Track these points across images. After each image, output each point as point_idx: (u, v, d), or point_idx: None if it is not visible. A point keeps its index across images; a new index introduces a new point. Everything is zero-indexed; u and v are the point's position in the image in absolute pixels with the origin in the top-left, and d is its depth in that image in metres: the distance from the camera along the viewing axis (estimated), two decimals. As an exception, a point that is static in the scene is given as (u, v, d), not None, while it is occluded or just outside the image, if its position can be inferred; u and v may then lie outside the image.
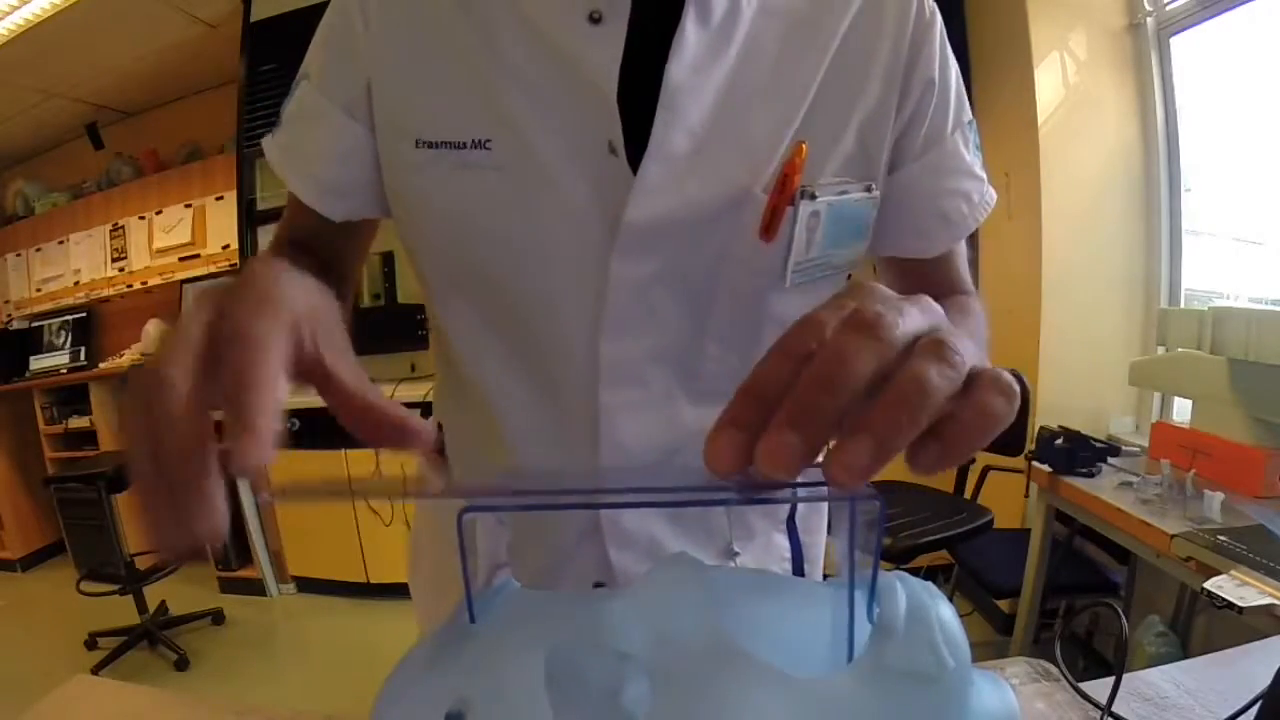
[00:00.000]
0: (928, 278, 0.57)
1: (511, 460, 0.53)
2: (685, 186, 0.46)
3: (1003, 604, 2.25)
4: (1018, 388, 0.23)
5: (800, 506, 0.59)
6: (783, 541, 0.59)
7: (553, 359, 0.49)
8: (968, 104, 0.55)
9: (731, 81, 0.46)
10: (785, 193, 0.46)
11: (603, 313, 0.47)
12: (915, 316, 0.24)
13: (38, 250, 3.77)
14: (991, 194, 0.57)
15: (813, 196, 0.47)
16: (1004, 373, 0.23)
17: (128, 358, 3.33)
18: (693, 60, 0.45)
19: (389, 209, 0.53)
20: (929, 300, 0.25)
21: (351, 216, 0.54)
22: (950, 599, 0.24)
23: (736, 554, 0.55)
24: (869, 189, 0.50)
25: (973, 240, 2.20)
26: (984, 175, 0.56)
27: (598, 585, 0.53)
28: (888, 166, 0.52)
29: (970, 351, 0.23)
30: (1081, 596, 1.93)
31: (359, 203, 0.53)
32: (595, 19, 0.44)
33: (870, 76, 0.49)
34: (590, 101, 0.45)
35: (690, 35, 0.45)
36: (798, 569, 0.60)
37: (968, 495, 2.19)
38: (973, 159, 0.56)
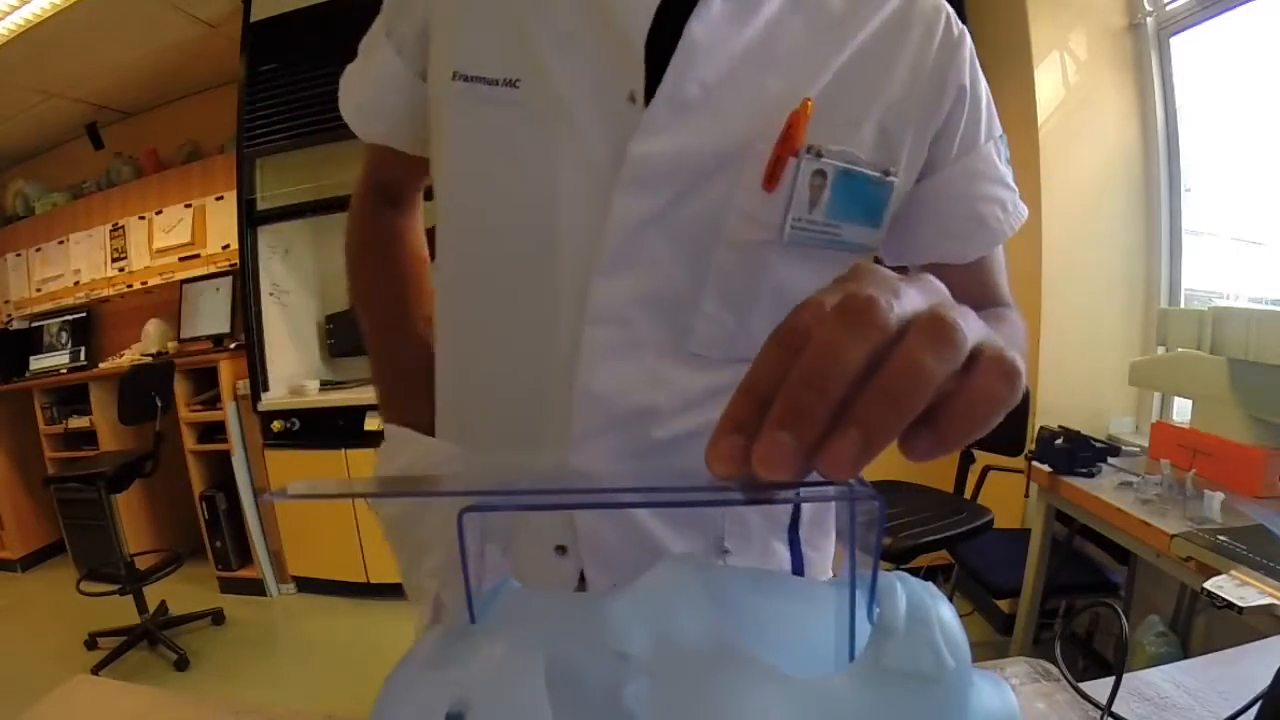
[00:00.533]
0: (966, 290, 0.57)
1: (487, 406, 0.54)
2: (691, 131, 0.47)
3: (1003, 604, 2.25)
4: (1021, 367, 0.21)
5: (805, 517, 0.58)
6: (782, 550, 0.58)
7: (545, 296, 0.50)
8: (999, 122, 0.57)
9: (748, 50, 0.49)
10: (788, 143, 0.47)
11: (599, 249, 0.48)
12: (913, 297, 0.22)
13: (38, 250, 3.77)
14: (1024, 207, 0.59)
15: (818, 155, 0.48)
16: (1008, 351, 0.22)
17: (127, 358, 3.33)
18: (714, 21, 0.47)
19: (419, 145, 0.60)
20: (931, 279, 0.24)
21: (378, 140, 0.63)
22: (950, 599, 0.24)
23: (727, 551, 0.54)
24: (886, 173, 0.51)
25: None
26: (1016, 189, 0.58)
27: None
28: (921, 173, 0.54)
29: (974, 327, 0.22)
30: (1081, 596, 1.93)
31: (388, 128, 0.62)
32: None
33: (894, 71, 0.51)
34: (618, 51, 0.47)
35: (715, 2, 0.47)
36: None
37: (968, 495, 2.19)
38: (1005, 170, 0.57)
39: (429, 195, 0.65)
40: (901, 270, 0.28)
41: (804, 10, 0.50)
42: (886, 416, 0.20)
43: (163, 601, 2.70)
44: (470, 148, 0.51)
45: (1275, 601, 1.04)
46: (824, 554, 0.61)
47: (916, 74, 0.52)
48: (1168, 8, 2.18)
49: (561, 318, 0.50)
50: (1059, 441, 1.76)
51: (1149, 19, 2.23)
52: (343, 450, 2.71)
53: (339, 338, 3.12)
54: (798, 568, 0.58)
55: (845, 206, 0.50)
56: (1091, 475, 1.69)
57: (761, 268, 0.50)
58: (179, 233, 3.35)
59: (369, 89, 0.61)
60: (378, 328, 0.69)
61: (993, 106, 0.57)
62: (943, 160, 0.55)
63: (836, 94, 0.49)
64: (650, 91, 0.47)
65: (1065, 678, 0.56)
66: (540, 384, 0.51)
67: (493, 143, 0.50)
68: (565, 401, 0.50)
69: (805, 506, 0.58)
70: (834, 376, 0.20)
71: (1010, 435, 2.04)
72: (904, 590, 0.24)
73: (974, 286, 0.59)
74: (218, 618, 2.72)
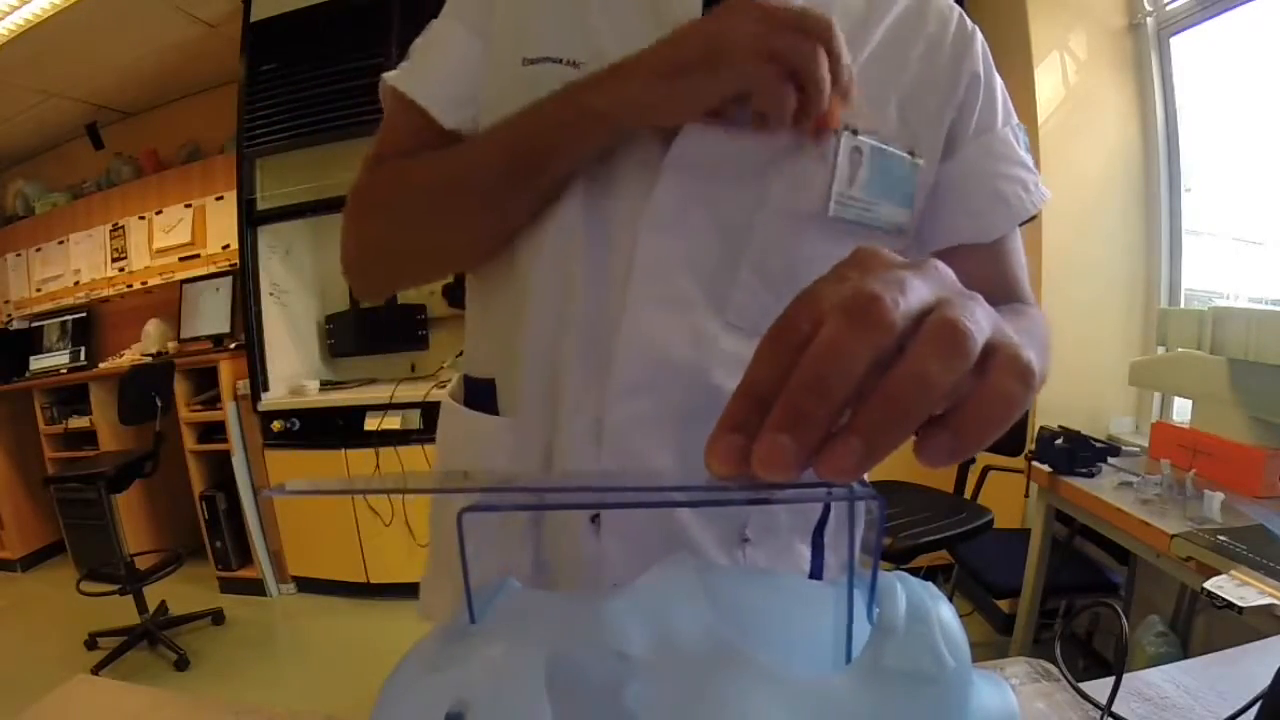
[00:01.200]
0: (987, 280, 0.58)
1: (537, 354, 0.54)
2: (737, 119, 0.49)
3: (1003, 604, 2.25)
4: (1035, 364, 0.21)
5: (832, 520, 0.59)
6: (804, 550, 0.58)
7: (598, 242, 0.52)
8: (1015, 114, 0.60)
9: None
10: (827, 118, 0.50)
11: (647, 209, 0.50)
12: (919, 289, 0.22)
13: (38, 250, 3.78)
14: (1046, 190, 0.59)
15: (855, 132, 0.51)
16: (1022, 350, 0.21)
17: (127, 358, 3.33)
18: None
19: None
20: (938, 265, 0.24)
21: (461, 126, 0.56)
22: (950, 599, 0.24)
23: (747, 540, 0.54)
24: (911, 153, 0.54)
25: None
26: (1037, 174, 0.60)
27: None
28: (942, 154, 0.56)
29: (984, 321, 0.21)
30: (1081, 596, 1.93)
31: (475, 113, 0.56)
32: None
33: (909, 60, 0.54)
34: (671, 30, 0.49)
35: None
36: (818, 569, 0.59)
37: (968, 495, 2.19)
38: (1025, 155, 0.59)
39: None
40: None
41: (833, 9, 0.51)
42: (890, 425, 0.20)
43: (163, 601, 2.70)
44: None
45: (1275, 601, 1.04)
46: (843, 559, 0.61)
47: (932, 62, 0.55)
48: (1168, 8, 2.18)
49: (614, 266, 0.51)
50: (1059, 441, 1.76)
51: (1149, 19, 2.23)
52: (343, 450, 2.71)
53: (339, 338, 3.12)
54: (817, 570, 0.58)
55: (880, 184, 0.53)
56: (1091, 475, 1.69)
57: (801, 241, 0.52)
58: (179, 233, 3.35)
59: (449, 71, 0.57)
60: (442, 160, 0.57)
61: (1009, 100, 0.59)
62: (960, 140, 0.57)
63: (863, 82, 0.51)
64: None
65: (1065, 678, 0.56)
66: (590, 332, 0.52)
67: None
68: (610, 351, 0.50)
69: (832, 510, 0.58)
70: (836, 380, 0.20)
71: (1010, 435, 2.04)
72: (904, 590, 0.24)
73: (996, 278, 0.60)
74: (218, 618, 2.72)
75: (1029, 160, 0.59)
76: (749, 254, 0.52)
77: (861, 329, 0.20)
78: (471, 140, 0.55)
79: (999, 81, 0.59)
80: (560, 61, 0.51)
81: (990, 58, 0.58)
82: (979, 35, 0.58)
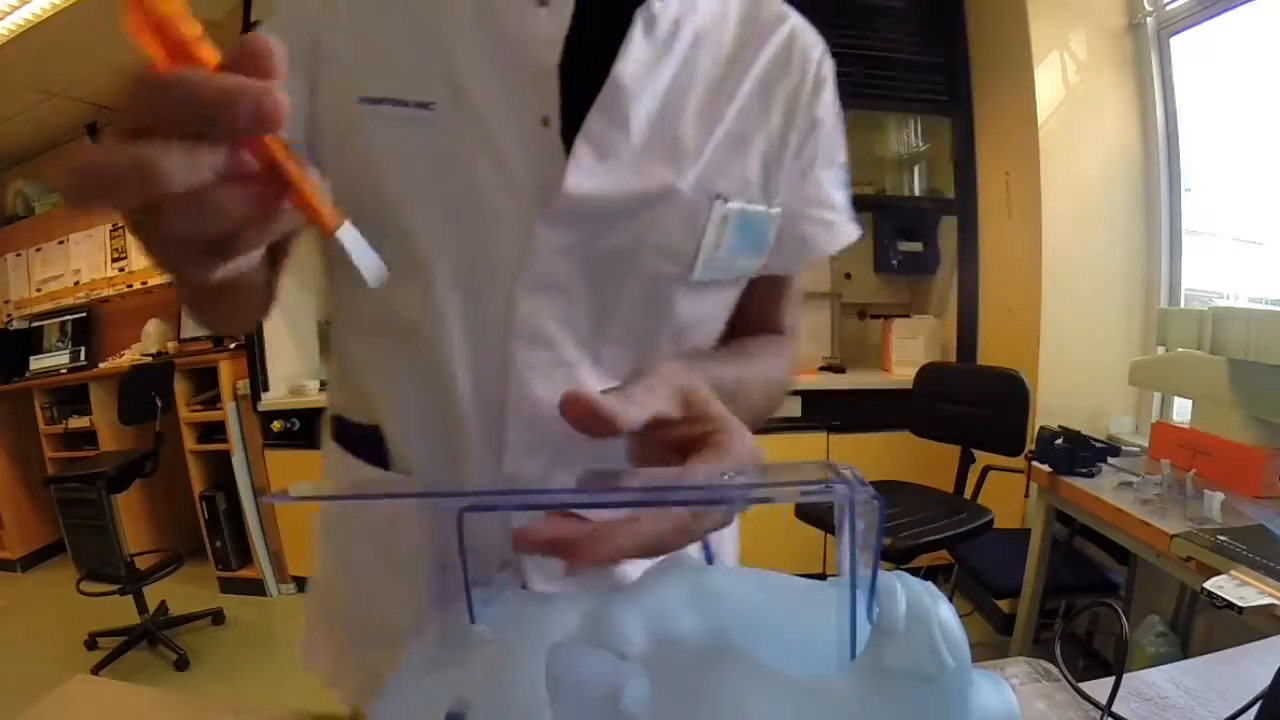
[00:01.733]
0: (760, 306, 0.62)
1: (421, 420, 0.53)
2: (616, 173, 0.49)
3: (1003, 604, 2.25)
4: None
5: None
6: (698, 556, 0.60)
7: (473, 309, 0.51)
8: (843, 150, 0.62)
9: (667, 92, 0.51)
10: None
11: (520, 271, 0.49)
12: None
13: (38, 250, 3.78)
14: (854, 229, 0.63)
15: (725, 200, 0.53)
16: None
17: (127, 358, 3.33)
18: (638, 63, 0.49)
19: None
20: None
21: None
22: (950, 599, 0.24)
23: None
24: (770, 208, 0.56)
25: (973, 239, 2.23)
26: (848, 213, 0.63)
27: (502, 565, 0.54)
28: None
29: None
30: (1081, 596, 1.93)
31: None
32: (543, 2, 0.48)
33: (774, 110, 0.56)
34: (531, 76, 0.48)
35: (637, 43, 0.49)
36: (709, 558, 0.61)
37: (968, 495, 2.19)
38: (838, 196, 0.62)
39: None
40: None
41: (706, 45, 0.53)
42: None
43: (163, 601, 2.69)
44: (388, 165, 0.50)
45: (1275, 601, 1.04)
46: (728, 537, 0.64)
47: (790, 113, 0.56)
48: (1168, 8, 2.18)
49: (491, 332, 0.51)
50: (1059, 441, 1.76)
51: (1149, 19, 2.23)
52: (343, 450, 2.71)
53: (339, 338, 3.11)
54: (706, 546, 0.59)
55: (742, 241, 0.55)
56: (1091, 475, 1.69)
57: (667, 303, 0.54)
58: (179, 233, 3.34)
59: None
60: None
61: (840, 137, 0.62)
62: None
63: (735, 134, 0.54)
64: (566, 116, 0.48)
65: (1065, 678, 0.56)
66: (474, 398, 0.52)
67: (412, 162, 0.49)
68: (499, 416, 0.51)
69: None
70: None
71: (1010, 435, 2.04)
72: (904, 590, 0.24)
73: (768, 305, 0.63)
74: (218, 618, 2.72)
75: (840, 200, 0.62)
76: (619, 313, 0.53)
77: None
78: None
79: (835, 119, 0.61)
80: (405, 104, 0.48)
81: (836, 94, 0.60)
82: (832, 77, 0.60)
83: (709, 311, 0.57)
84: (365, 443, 0.57)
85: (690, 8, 0.52)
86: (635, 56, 0.49)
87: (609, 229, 0.51)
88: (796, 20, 0.59)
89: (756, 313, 0.62)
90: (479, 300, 0.51)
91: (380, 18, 0.50)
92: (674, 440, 0.35)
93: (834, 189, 0.62)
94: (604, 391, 0.33)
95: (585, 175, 0.48)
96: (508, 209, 0.49)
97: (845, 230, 0.63)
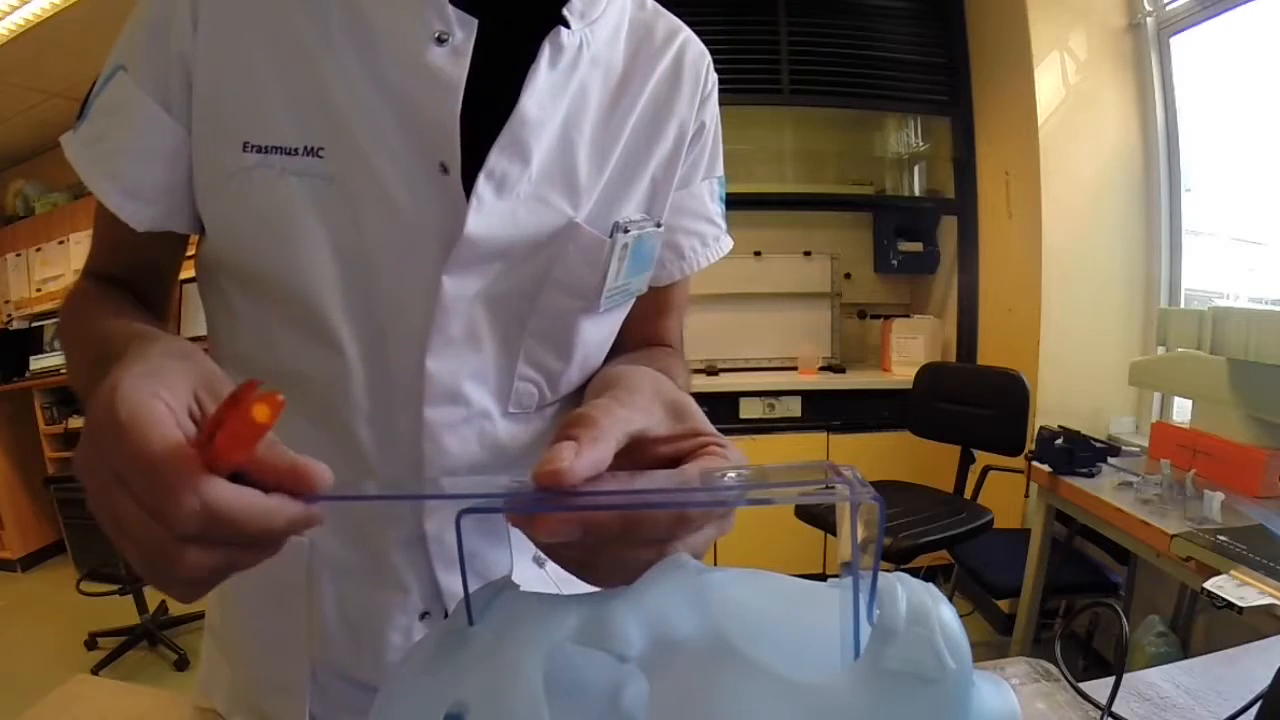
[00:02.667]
0: (645, 319, 0.61)
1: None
2: (517, 212, 0.48)
3: (1003, 604, 2.25)
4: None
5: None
6: None
7: (378, 378, 0.49)
8: (721, 160, 0.62)
9: (564, 121, 0.49)
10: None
11: (430, 330, 0.47)
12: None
13: (38, 250, 3.77)
14: (728, 241, 0.63)
15: (625, 230, 0.51)
16: None
17: (128, 358, 3.33)
18: (541, 98, 0.47)
19: (196, 224, 0.50)
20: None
21: (157, 227, 0.48)
22: (950, 599, 0.24)
23: (544, 561, 0.55)
24: (658, 225, 0.55)
25: (973, 239, 2.23)
26: (723, 225, 0.63)
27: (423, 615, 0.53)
28: None
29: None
30: (1081, 596, 1.93)
31: (165, 210, 0.48)
32: (441, 40, 0.44)
33: (667, 129, 0.55)
34: (427, 123, 0.45)
35: (542, 74, 0.47)
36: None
37: (968, 495, 2.19)
38: (715, 209, 0.62)
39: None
40: None
41: (599, 65, 0.51)
42: None
43: (163, 601, 2.69)
44: (275, 218, 0.45)
45: (1275, 601, 1.04)
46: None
47: (681, 130, 0.55)
48: (1168, 8, 2.18)
49: (396, 399, 0.48)
50: (1059, 441, 1.76)
51: (1149, 19, 2.23)
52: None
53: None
54: None
55: (636, 263, 0.54)
56: (1091, 475, 1.69)
57: (571, 332, 0.53)
58: (179, 233, 3.34)
59: (137, 161, 0.47)
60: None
61: (720, 148, 0.61)
62: None
63: (629, 159, 0.53)
64: (465, 154, 0.45)
65: (1065, 678, 0.56)
66: (384, 460, 0.50)
67: (302, 213, 0.45)
68: (415, 481, 0.50)
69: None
70: None
71: (1010, 435, 2.04)
72: (904, 591, 0.24)
73: (652, 318, 0.62)
74: (218, 618, 2.72)
75: (718, 214, 0.62)
76: (527, 353, 0.52)
77: None
78: (81, 340, 0.45)
79: (716, 131, 0.60)
80: (294, 152, 0.45)
81: (718, 107, 0.59)
82: (716, 87, 0.59)
83: (607, 334, 0.57)
84: None
85: (590, 34, 0.49)
86: (540, 88, 0.46)
87: (512, 269, 0.49)
88: (686, 33, 0.57)
89: (639, 328, 0.60)
90: (387, 366, 0.48)
91: (263, 54, 0.45)
92: (663, 457, 0.33)
93: (712, 201, 0.61)
94: (569, 430, 0.29)
95: (485, 217, 0.46)
96: (409, 266, 0.46)
97: (721, 243, 0.62)
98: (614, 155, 0.52)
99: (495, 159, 0.46)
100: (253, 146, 0.45)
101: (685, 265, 0.60)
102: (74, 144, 0.49)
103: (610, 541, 0.28)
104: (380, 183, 0.45)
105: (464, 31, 0.44)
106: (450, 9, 0.44)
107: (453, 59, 0.44)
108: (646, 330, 0.62)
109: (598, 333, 0.55)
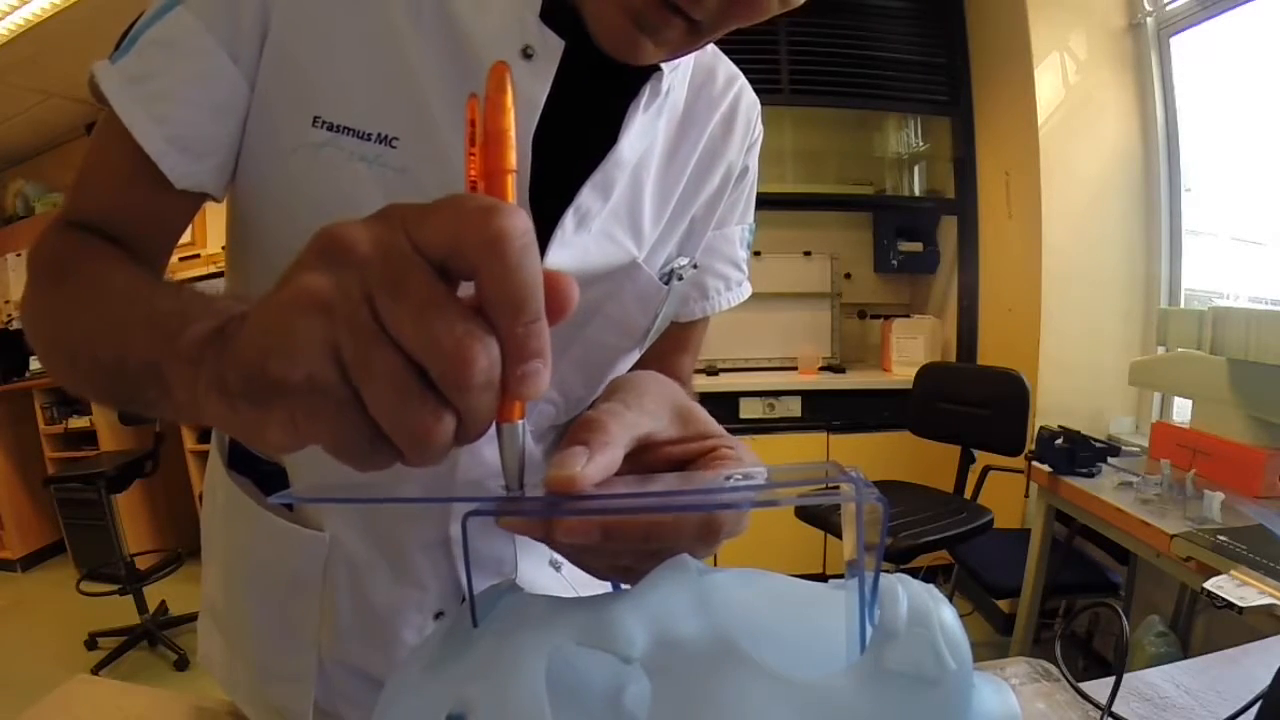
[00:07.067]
0: (664, 353, 0.60)
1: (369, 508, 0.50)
2: (589, 245, 0.48)
3: (1003, 604, 2.26)
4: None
5: None
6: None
7: None
8: (754, 209, 0.63)
9: (640, 161, 0.49)
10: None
11: None
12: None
13: (37, 250, 3.77)
14: (748, 288, 0.64)
15: (680, 279, 0.53)
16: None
17: (128, 358, 3.32)
18: (634, 139, 0.47)
19: (226, 190, 0.46)
20: None
21: (196, 186, 0.43)
22: (950, 599, 0.24)
23: (560, 565, 0.56)
24: (695, 265, 0.56)
25: (973, 239, 2.23)
26: (746, 272, 0.64)
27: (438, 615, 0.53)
28: None
29: None
30: (1081, 596, 1.93)
31: (210, 169, 0.43)
32: (528, 55, 0.42)
33: (715, 172, 0.55)
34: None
35: (639, 115, 0.46)
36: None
37: (968, 495, 2.19)
38: (743, 254, 0.62)
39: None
40: None
41: (670, 107, 0.50)
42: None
43: (162, 601, 2.69)
44: (333, 202, 0.41)
45: (1275, 601, 1.04)
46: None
47: (728, 172, 0.56)
48: (1168, 8, 2.18)
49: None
50: (1059, 441, 1.76)
51: (1149, 19, 2.23)
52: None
53: (339, 338, 3.11)
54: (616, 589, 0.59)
55: (674, 299, 0.55)
56: (1091, 475, 1.69)
57: (608, 365, 0.53)
58: (179, 233, 3.34)
59: (190, 109, 0.41)
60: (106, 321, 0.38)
61: (754, 195, 0.62)
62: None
63: (683, 201, 0.53)
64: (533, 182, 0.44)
65: (1065, 678, 0.56)
66: (422, 470, 0.49)
67: (364, 202, 0.41)
68: (449, 485, 0.48)
69: None
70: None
71: (1010, 435, 2.04)
72: (905, 592, 0.24)
73: (669, 354, 0.62)
74: (218, 618, 2.72)
75: (744, 259, 0.63)
76: (559, 375, 0.51)
77: None
78: (106, 300, 0.37)
79: (754, 178, 0.61)
80: (367, 137, 0.41)
81: (758, 153, 0.60)
82: (761, 135, 0.60)
83: (630, 363, 0.57)
84: (272, 484, 0.51)
85: (677, 77, 0.49)
86: (635, 129, 0.46)
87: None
88: (742, 80, 0.57)
89: (655, 365, 0.59)
90: None
91: (350, 27, 0.42)
92: (672, 459, 0.33)
93: (741, 246, 0.62)
94: (579, 435, 0.29)
95: (565, 249, 0.45)
96: None
97: (743, 289, 0.63)
98: (674, 198, 0.52)
99: (586, 195, 0.45)
100: (324, 123, 0.41)
101: (708, 305, 0.60)
102: (112, 77, 0.41)
103: (635, 547, 0.28)
104: (452, 184, 0.43)
105: (550, 50, 0.42)
106: (540, 25, 0.42)
107: (535, 76, 0.42)
108: (662, 367, 0.61)
109: (625, 366, 0.56)
